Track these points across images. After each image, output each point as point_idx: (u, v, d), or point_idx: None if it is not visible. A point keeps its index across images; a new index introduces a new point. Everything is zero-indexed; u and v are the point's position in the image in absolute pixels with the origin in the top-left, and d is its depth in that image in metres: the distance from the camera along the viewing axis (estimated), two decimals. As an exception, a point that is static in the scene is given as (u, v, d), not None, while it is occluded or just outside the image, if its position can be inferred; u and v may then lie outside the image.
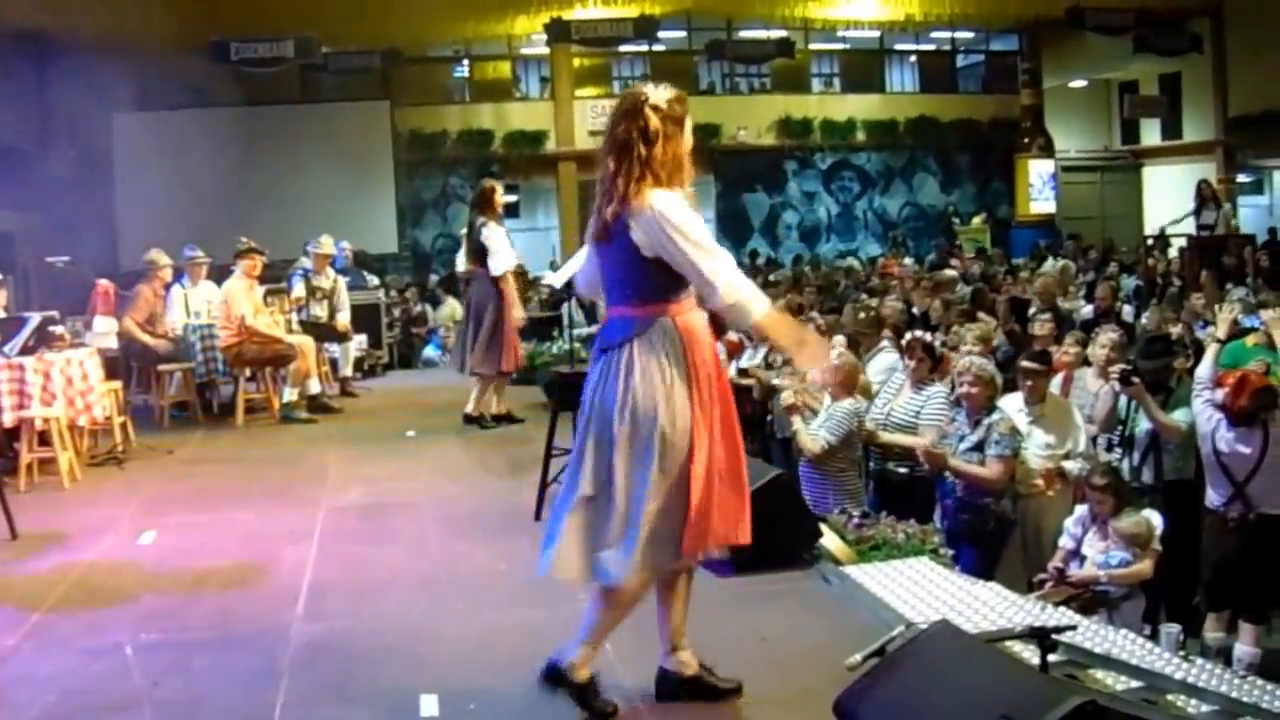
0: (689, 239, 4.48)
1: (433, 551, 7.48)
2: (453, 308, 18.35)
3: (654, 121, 4.58)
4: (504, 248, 11.01)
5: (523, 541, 7.33)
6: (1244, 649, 7.81)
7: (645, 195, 4.52)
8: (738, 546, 4.86)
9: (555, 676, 4.74)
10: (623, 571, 4.55)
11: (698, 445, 4.57)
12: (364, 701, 5.13)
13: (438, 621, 6.12)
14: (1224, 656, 7.70)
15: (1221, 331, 8.61)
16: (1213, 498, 8.07)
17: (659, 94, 4.63)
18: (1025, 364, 8.71)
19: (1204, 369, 8.35)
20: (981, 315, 12.31)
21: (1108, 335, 9.52)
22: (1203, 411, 8.12)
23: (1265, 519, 7.90)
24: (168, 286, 12.93)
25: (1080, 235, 26.95)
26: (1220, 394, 7.90)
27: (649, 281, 4.60)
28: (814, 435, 8.68)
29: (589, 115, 27.17)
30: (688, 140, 4.70)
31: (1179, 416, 8.60)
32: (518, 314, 11.39)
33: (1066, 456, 8.48)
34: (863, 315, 11.14)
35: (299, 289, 13.71)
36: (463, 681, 5.22)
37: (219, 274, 13.18)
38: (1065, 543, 7.83)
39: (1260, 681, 5.61)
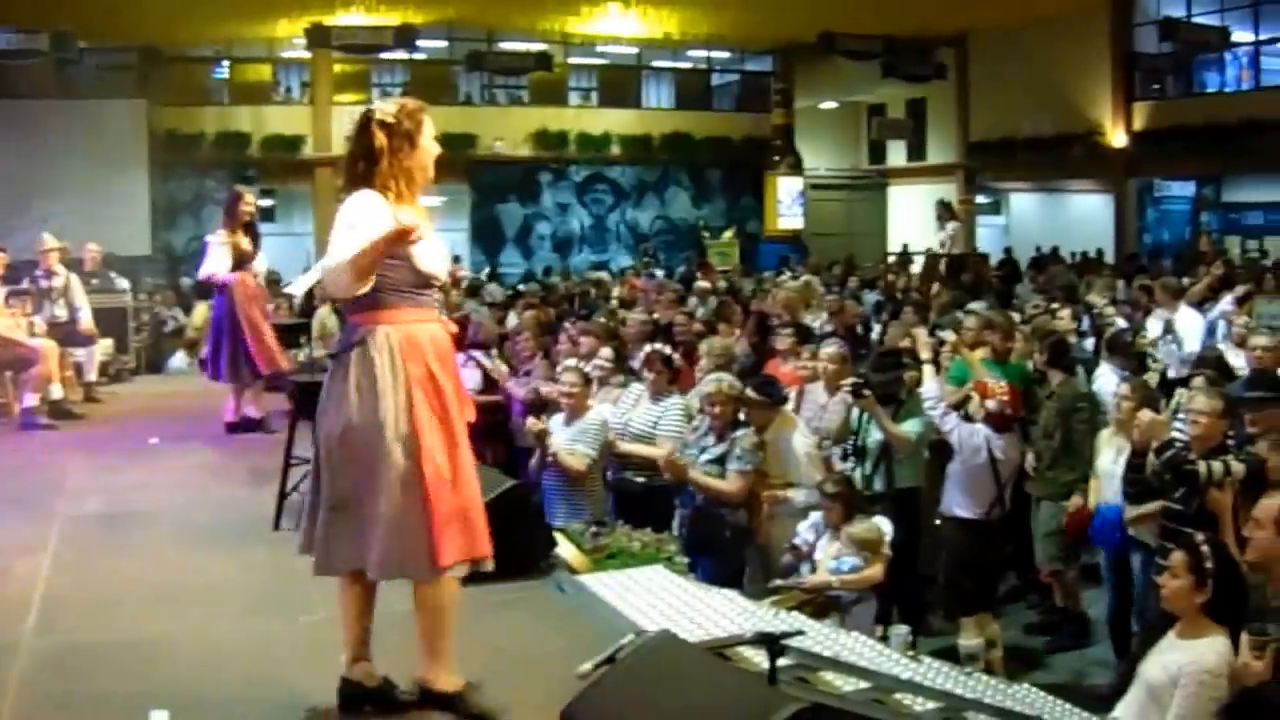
0: (334, 238, 4.52)
1: (170, 563, 7.34)
2: (203, 311, 17.99)
3: (379, 138, 4.61)
4: (217, 256, 10.93)
5: (260, 552, 7.33)
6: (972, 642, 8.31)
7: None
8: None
9: (429, 698, 4.73)
10: (399, 572, 4.60)
11: (425, 453, 4.53)
12: (93, 717, 5.07)
13: (172, 634, 6.04)
14: (982, 661, 8.11)
15: (924, 354, 8.90)
16: (969, 507, 8.37)
17: (386, 107, 4.68)
18: (749, 394, 8.61)
19: (932, 388, 8.66)
20: (723, 327, 12.54)
21: (829, 349, 9.67)
22: (959, 426, 8.42)
23: (1009, 515, 8.48)
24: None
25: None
26: (993, 404, 8.27)
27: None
28: (572, 450, 8.54)
29: (347, 121, 26.64)
30: (426, 149, 4.72)
31: (908, 428, 8.86)
32: (256, 315, 11.19)
33: (789, 485, 8.51)
34: (601, 321, 11.22)
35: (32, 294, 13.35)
36: (195, 695, 5.17)
37: (-39, 273, 12.73)
38: (799, 546, 7.99)
39: (984, 677, 5.93)
